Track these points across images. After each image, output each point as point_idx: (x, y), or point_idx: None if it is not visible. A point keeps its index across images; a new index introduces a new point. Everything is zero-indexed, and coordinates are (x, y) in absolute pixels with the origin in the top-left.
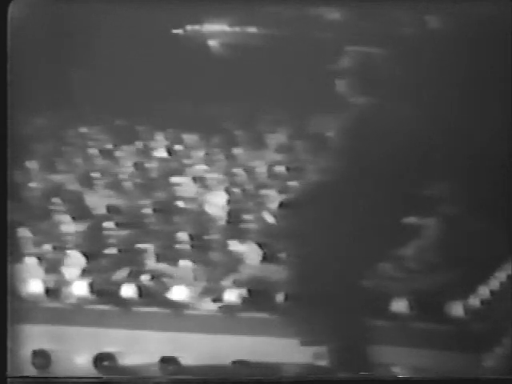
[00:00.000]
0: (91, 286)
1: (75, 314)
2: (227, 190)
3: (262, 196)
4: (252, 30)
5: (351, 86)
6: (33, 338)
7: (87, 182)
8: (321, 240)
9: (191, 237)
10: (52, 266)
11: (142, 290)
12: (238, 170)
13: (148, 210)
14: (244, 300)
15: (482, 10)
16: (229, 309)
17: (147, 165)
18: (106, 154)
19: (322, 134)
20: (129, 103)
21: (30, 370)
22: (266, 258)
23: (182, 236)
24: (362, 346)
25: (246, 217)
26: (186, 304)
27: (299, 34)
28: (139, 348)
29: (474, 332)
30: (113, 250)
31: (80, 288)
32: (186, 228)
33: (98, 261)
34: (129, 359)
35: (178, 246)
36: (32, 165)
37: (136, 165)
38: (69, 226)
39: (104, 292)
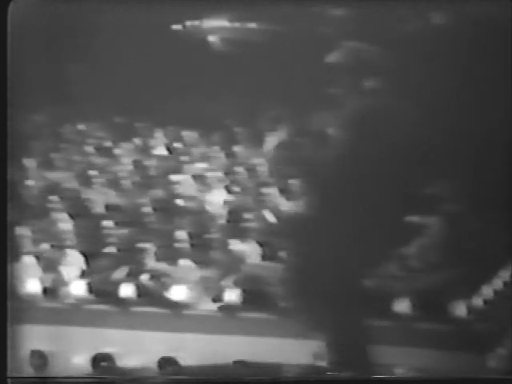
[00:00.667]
0: (90, 285)
1: (73, 314)
2: (227, 189)
3: (263, 194)
4: (252, 25)
5: (350, 83)
6: (31, 338)
7: (85, 180)
8: (321, 239)
9: (191, 236)
10: (50, 266)
11: (140, 290)
12: (238, 169)
13: (147, 209)
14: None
15: (482, 9)
16: (228, 309)
17: (146, 163)
18: (105, 151)
19: (323, 131)
20: (128, 100)
21: (29, 371)
22: (266, 257)
23: (182, 235)
24: (362, 346)
25: (247, 215)
26: (185, 304)
27: (299, 30)
28: (138, 348)
29: (477, 332)
30: (112, 249)
31: (78, 288)
32: (185, 227)
33: (96, 260)
34: (127, 359)
35: (177, 244)
36: (30, 162)
37: (135, 162)
38: (67, 225)
39: (102, 292)
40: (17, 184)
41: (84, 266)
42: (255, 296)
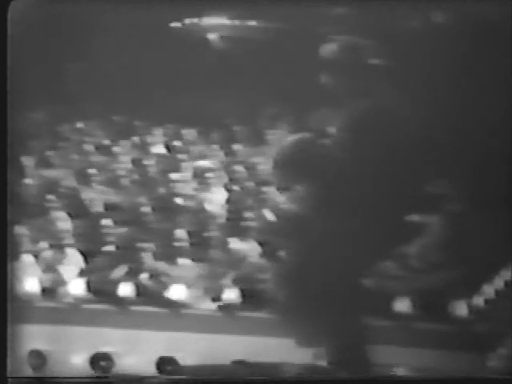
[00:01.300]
0: (88, 284)
1: (72, 314)
2: (227, 187)
3: (263, 193)
4: (251, 23)
5: (351, 83)
6: (30, 337)
7: (84, 179)
8: (320, 238)
9: (190, 234)
10: (49, 265)
11: (139, 289)
12: (237, 167)
13: (146, 207)
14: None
15: (481, 9)
16: (228, 308)
17: (145, 161)
18: (104, 149)
19: (323, 130)
20: (127, 98)
21: (28, 370)
22: (265, 256)
23: (181, 234)
24: (361, 346)
25: (246, 214)
26: (184, 303)
27: (299, 28)
28: (137, 348)
29: (478, 332)
30: (110, 248)
31: (77, 287)
32: (184, 226)
33: (95, 259)
34: (126, 359)
35: (176, 243)
36: (28, 161)
37: (134, 161)
38: (66, 224)
39: (101, 291)
40: (16, 183)
41: (83, 265)
42: (255, 295)
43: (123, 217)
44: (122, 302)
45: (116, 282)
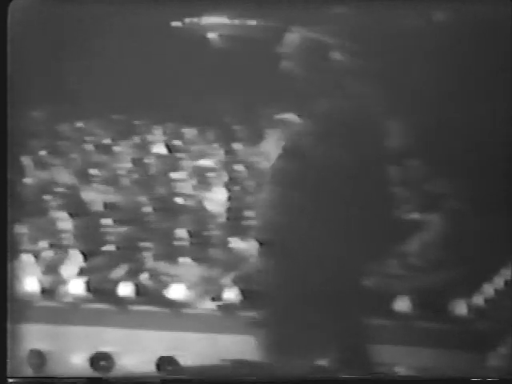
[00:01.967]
0: (88, 284)
1: (72, 313)
2: (227, 187)
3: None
4: (252, 22)
5: (351, 82)
6: (29, 337)
7: (84, 178)
8: (318, 237)
9: (190, 234)
10: (48, 264)
11: (139, 289)
12: (237, 166)
13: (146, 207)
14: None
15: (481, 9)
16: (228, 307)
17: (146, 160)
18: (104, 149)
19: (322, 126)
20: (127, 97)
21: (27, 370)
22: (264, 256)
23: (181, 233)
24: (361, 345)
25: (247, 213)
26: (184, 303)
27: (300, 28)
28: (137, 347)
29: (478, 331)
30: (110, 248)
31: (77, 286)
32: (185, 225)
33: (95, 258)
34: (126, 359)
35: (176, 243)
36: (27, 160)
37: (134, 160)
38: (65, 223)
39: (101, 291)
40: (15, 182)
41: (82, 265)
42: (254, 295)
43: (123, 216)
44: (121, 302)
45: (116, 282)
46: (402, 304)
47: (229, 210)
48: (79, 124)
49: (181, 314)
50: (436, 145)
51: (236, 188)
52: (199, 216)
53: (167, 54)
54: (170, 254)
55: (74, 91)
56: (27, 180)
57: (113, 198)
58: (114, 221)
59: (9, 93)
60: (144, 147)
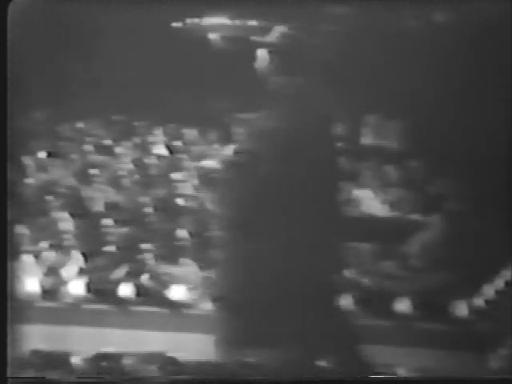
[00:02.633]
0: (89, 284)
1: (72, 314)
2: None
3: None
4: (252, 23)
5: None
6: (30, 338)
7: (85, 179)
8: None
9: (191, 234)
10: (49, 265)
11: (140, 289)
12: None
13: (147, 207)
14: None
15: (482, 9)
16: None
17: (146, 161)
18: (105, 149)
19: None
20: (128, 98)
21: (28, 371)
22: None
23: (182, 234)
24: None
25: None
26: (185, 303)
27: (301, 27)
28: (137, 348)
29: (479, 332)
30: (111, 248)
31: (77, 287)
32: (186, 226)
33: (95, 259)
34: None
35: (177, 243)
36: (28, 160)
37: (135, 161)
38: (66, 224)
39: (102, 291)
40: (16, 182)
41: (83, 265)
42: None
43: (124, 217)
44: (122, 302)
45: (116, 282)
46: (403, 305)
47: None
48: (80, 124)
49: (182, 314)
50: (436, 146)
51: None
52: (201, 217)
53: (168, 54)
54: (171, 254)
55: (75, 92)
56: (28, 180)
57: (114, 198)
58: (115, 221)
59: (9, 93)
60: (145, 148)
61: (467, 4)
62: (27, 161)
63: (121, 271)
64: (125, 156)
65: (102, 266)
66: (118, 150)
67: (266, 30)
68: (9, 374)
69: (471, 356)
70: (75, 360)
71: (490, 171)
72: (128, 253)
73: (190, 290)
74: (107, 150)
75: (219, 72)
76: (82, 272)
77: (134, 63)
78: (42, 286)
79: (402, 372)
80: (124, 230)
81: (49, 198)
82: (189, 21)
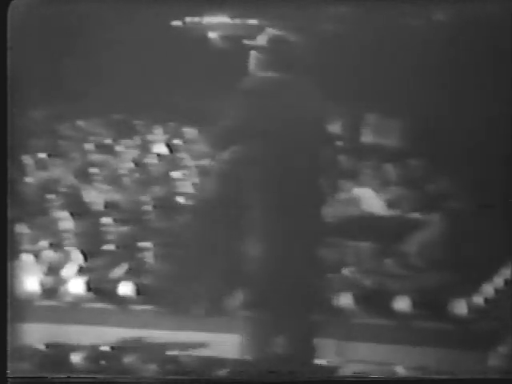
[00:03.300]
0: (88, 283)
1: (72, 313)
2: None
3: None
4: (253, 21)
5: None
6: (29, 337)
7: (85, 178)
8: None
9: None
10: (49, 264)
11: (139, 288)
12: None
13: (147, 206)
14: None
15: (482, 9)
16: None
17: (146, 160)
18: (105, 148)
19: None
20: (127, 97)
21: (28, 370)
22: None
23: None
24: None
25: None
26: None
27: (302, 27)
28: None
29: (478, 331)
30: (111, 247)
31: (77, 286)
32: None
33: (95, 258)
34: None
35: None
36: (28, 159)
37: (135, 160)
38: (66, 222)
39: (101, 290)
40: (16, 181)
41: (83, 264)
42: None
43: (124, 215)
44: (122, 301)
45: (116, 281)
46: (402, 303)
47: None
48: (80, 123)
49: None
50: (435, 144)
51: None
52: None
53: (168, 53)
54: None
55: (75, 91)
56: (27, 179)
57: (114, 197)
58: (115, 220)
59: (9, 92)
60: (145, 146)
61: (468, 3)
62: (27, 160)
63: (121, 270)
64: (125, 154)
65: (102, 264)
66: (117, 148)
67: (265, 30)
68: (9, 374)
69: (471, 355)
70: (75, 359)
71: (491, 170)
72: (128, 251)
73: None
74: (107, 149)
75: (219, 70)
76: (81, 271)
77: (134, 62)
78: (42, 285)
79: (401, 371)
80: (124, 228)
81: (49, 196)
82: (189, 19)
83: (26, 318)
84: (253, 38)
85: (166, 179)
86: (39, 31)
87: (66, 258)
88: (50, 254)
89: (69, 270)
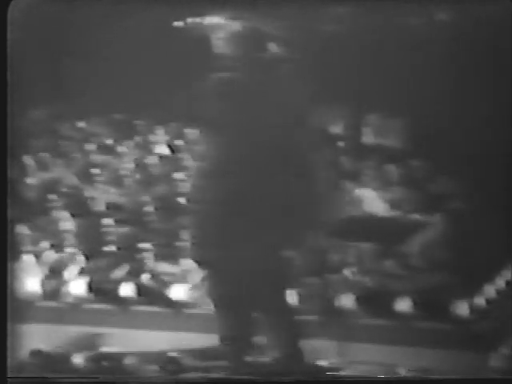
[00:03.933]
0: (89, 284)
1: (73, 313)
2: None
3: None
4: (253, 23)
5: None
6: (30, 337)
7: (86, 178)
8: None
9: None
10: (50, 264)
11: (140, 289)
12: None
13: (148, 207)
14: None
15: (482, 9)
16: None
17: (148, 160)
18: (106, 149)
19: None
20: (129, 97)
21: (29, 370)
22: None
23: (183, 234)
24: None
25: None
26: (186, 303)
27: (303, 27)
28: (138, 348)
29: (480, 331)
30: (112, 248)
31: (78, 287)
32: (187, 225)
33: (96, 259)
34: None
35: (178, 243)
36: (29, 160)
37: (136, 160)
38: (67, 223)
39: (102, 291)
40: (16, 182)
41: (84, 265)
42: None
43: (125, 216)
44: (123, 302)
45: (117, 282)
46: (404, 304)
47: None
48: (81, 124)
49: (182, 314)
50: (437, 145)
51: None
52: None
53: (169, 54)
54: (172, 254)
55: (76, 91)
56: (29, 180)
57: (115, 198)
58: (116, 221)
59: (9, 92)
60: (146, 147)
61: (468, 3)
62: (28, 160)
63: (122, 271)
64: (126, 155)
65: (103, 265)
66: (119, 149)
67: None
68: (9, 374)
69: (472, 355)
70: (76, 360)
71: (491, 171)
72: (129, 252)
73: (190, 289)
74: (109, 150)
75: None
76: (82, 272)
77: (136, 62)
78: (43, 286)
79: (402, 372)
80: (125, 229)
81: (50, 197)
82: (190, 20)
83: (26, 318)
84: (253, 38)
85: (167, 180)
86: (39, 31)
87: (67, 259)
88: (51, 255)
89: (70, 271)
